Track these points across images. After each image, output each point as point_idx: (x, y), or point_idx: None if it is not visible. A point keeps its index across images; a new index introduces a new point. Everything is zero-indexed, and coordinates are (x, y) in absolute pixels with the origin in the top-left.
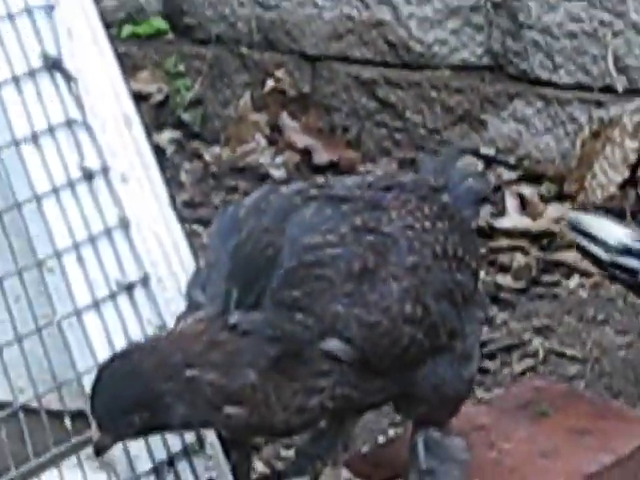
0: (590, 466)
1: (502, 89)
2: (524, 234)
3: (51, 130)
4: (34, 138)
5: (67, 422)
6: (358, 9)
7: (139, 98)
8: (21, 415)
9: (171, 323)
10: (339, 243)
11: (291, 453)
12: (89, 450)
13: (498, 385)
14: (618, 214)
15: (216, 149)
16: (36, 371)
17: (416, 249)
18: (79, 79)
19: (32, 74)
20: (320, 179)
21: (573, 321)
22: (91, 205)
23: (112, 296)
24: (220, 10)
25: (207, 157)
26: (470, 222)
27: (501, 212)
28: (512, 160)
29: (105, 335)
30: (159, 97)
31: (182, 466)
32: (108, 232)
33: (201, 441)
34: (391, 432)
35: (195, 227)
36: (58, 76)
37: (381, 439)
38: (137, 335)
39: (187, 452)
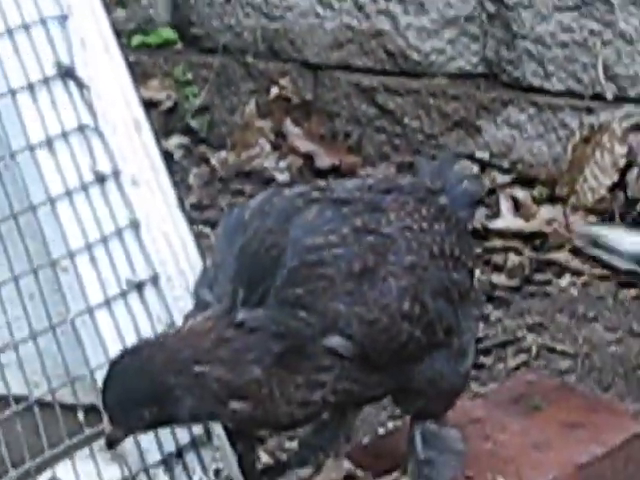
0: (581, 457)
1: (496, 96)
2: (517, 235)
3: (64, 135)
4: (48, 143)
5: (80, 415)
6: (358, 19)
7: (149, 105)
8: (36, 409)
9: (180, 320)
10: (340, 244)
11: (295, 444)
12: (101, 442)
13: (493, 380)
14: (608, 216)
15: (222, 154)
16: (50, 366)
17: (414, 249)
18: (91, 86)
19: (46, 82)
20: (322, 182)
21: (564, 318)
22: (103, 207)
23: (123, 294)
24: (226, 21)
25: (214, 161)
26: (466, 223)
27: (495, 214)
28: (506, 164)
29: (116, 332)
30: (168, 104)
31: (190, 457)
32: (119, 233)
33: (208, 433)
34: (390, 425)
35: (202, 228)
36: (71, 84)
37: (381, 431)
38: (147, 332)
39: (195, 444)
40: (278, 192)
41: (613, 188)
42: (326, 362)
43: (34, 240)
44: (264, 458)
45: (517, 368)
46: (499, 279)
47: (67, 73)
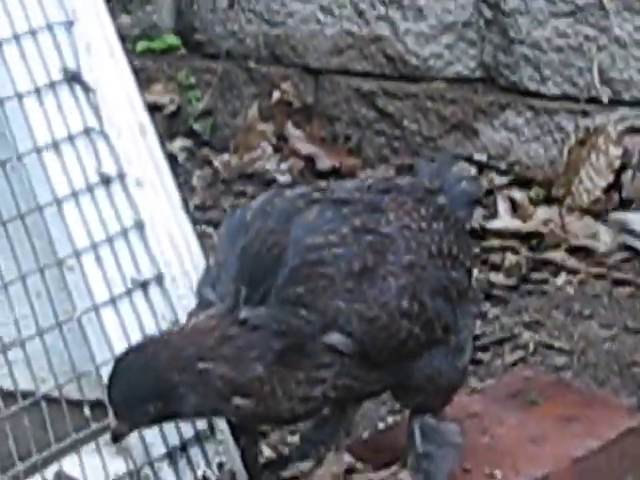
0: (577, 451)
1: (494, 100)
2: (514, 235)
3: (71, 138)
4: (55, 145)
5: (86, 410)
6: (358, 25)
7: (153, 109)
8: (43, 404)
9: (183, 318)
10: (340, 243)
11: (296, 439)
12: (107, 436)
13: (491, 375)
14: (603, 217)
15: (225, 156)
16: (57, 363)
17: (413, 248)
18: (97, 91)
19: (53, 86)
20: (322, 184)
21: (561, 316)
22: (108, 208)
23: (128, 293)
24: (229, 27)
25: (217, 164)
26: (464, 223)
27: (493, 214)
28: (503, 166)
29: (122, 329)
30: (172, 108)
31: (194, 451)
32: (124, 233)
33: (212, 428)
34: (390, 419)
35: (206, 228)
36: (77, 88)
37: (381, 426)
38: (152, 330)
39: (199, 438)
40: (279, 193)
41: (608, 189)
42: (326, 359)
43: (41, 240)
44: (266, 452)
45: (514, 364)
46: (497, 278)
47: (73, 77)
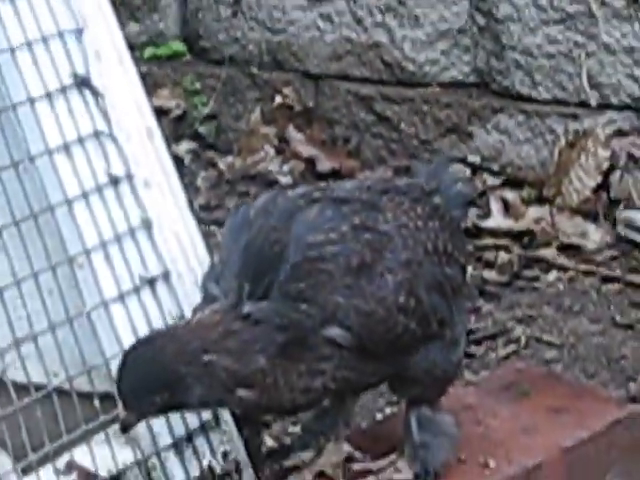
0: (567, 441)
1: (487, 104)
2: (507, 233)
3: (81, 141)
4: (65, 148)
5: (96, 402)
6: (357, 32)
7: (160, 113)
8: (54, 396)
9: (189, 314)
10: (340, 240)
11: (298, 429)
12: (116, 427)
13: (484, 368)
14: (592, 216)
15: (229, 158)
16: (68, 357)
17: (410, 246)
18: (106, 95)
19: (63, 91)
20: (322, 184)
21: (551, 311)
22: (117, 208)
23: (136, 290)
24: (232, 34)
25: (221, 165)
26: (459, 222)
27: (486, 214)
28: (496, 167)
29: (130, 325)
30: (178, 112)
31: (200, 441)
32: (132, 232)
33: (217, 418)
34: (387, 410)
35: (211, 228)
36: (87, 93)
37: (379, 416)
38: (159, 325)
39: (204, 428)
40: (281, 193)
41: (597, 189)
42: (326, 352)
43: (52, 238)
44: (269, 442)
45: (507, 357)
46: (490, 275)
47: (83, 83)
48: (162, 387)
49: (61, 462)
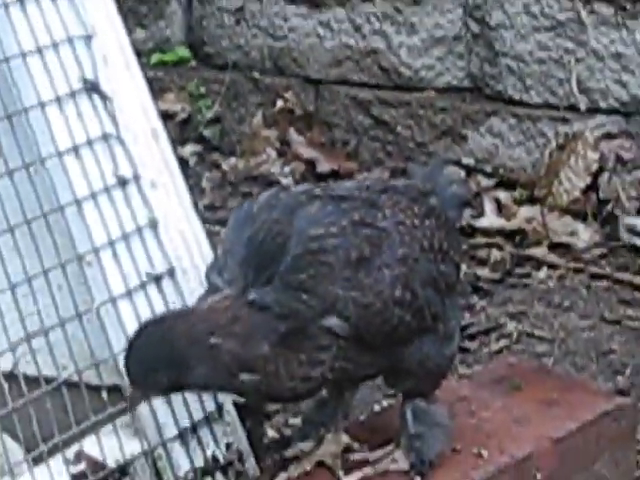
0: (557, 432)
1: (480, 108)
2: (500, 232)
3: (90, 143)
4: (75, 150)
5: (104, 395)
6: (355, 39)
7: (165, 116)
8: (64, 389)
9: None
10: (340, 234)
11: (298, 421)
12: (123, 419)
13: (477, 362)
14: (582, 215)
15: (233, 160)
16: (77, 351)
17: (406, 242)
18: (114, 100)
19: (73, 95)
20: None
21: (542, 307)
22: (124, 208)
23: (143, 286)
24: (236, 40)
25: (225, 167)
26: (454, 222)
27: (480, 214)
28: (489, 169)
29: (137, 320)
30: (183, 115)
31: (204, 432)
32: (139, 231)
33: (220, 410)
34: (384, 403)
35: (214, 227)
36: (95, 97)
37: (376, 408)
38: None
39: (208, 420)
40: (284, 190)
41: (586, 190)
42: (325, 342)
43: (62, 237)
44: (270, 433)
45: (499, 352)
46: (483, 272)
47: (92, 87)
48: (168, 366)
49: (70, 452)
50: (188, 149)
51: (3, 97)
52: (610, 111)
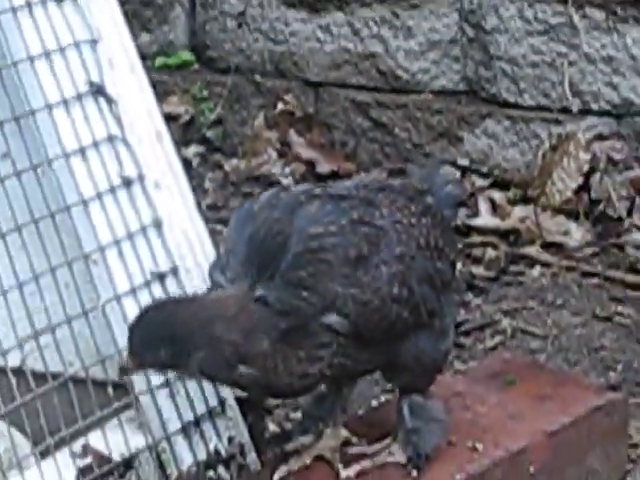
0: (551, 426)
1: (475, 110)
2: (494, 231)
3: (95, 145)
4: (81, 151)
5: (109, 390)
6: (354, 43)
7: (169, 118)
8: (70, 384)
9: None
10: (339, 233)
11: (298, 415)
12: (128, 413)
13: (473, 358)
14: (574, 215)
15: (235, 161)
16: (83, 347)
17: (403, 240)
18: (119, 102)
19: (79, 98)
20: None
21: (536, 304)
22: (129, 208)
23: (147, 284)
24: (238, 44)
25: (227, 168)
26: (450, 221)
27: (475, 213)
28: (484, 169)
29: None
30: (186, 117)
31: (206, 426)
32: (144, 230)
33: (223, 405)
34: (382, 398)
35: (217, 226)
36: (101, 100)
37: (374, 403)
38: None
39: (211, 415)
40: (285, 189)
41: (578, 190)
42: (325, 339)
43: (69, 236)
44: (271, 427)
45: (494, 348)
46: (478, 270)
47: (98, 90)
48: (170, 341)
49: (77, 446)
50: (191, 150)
51: (11, 100)
52: (602, 113)
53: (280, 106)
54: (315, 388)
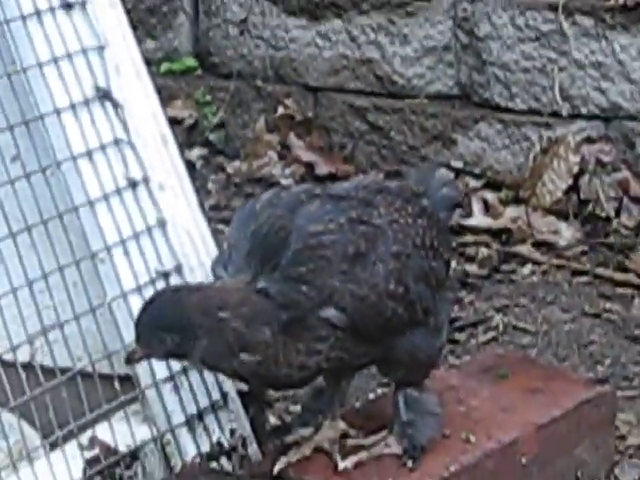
0: (541, 419)
1: (469, 114)
2: (487, 231)
3: (102, 148)
4: (88, 154)
5: (116, 384)
6: (351, 49)
7: (173, 122)
8: (78, 378)
9: None
10: (338, 230)
11: (298, 408)
12: (134, 406)
13: (466, 353)
14: (564, 215)
15: (236, 163)
16: (91, 343)
17: (400, 239)
18: (125, 107)
19: (87, 103)
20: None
21: (527, 301)
22: (135, 208)
23: (152, 282)
24: (240, 51)
25: (229, 169)
26: (445, 221)
27: (468, 213)
28: (477, 171)
29: None
30: (190, 121)
31: (209, 419)
32: (149, 230)
33: (225, 398)
34: (379, 391)
35: (220, 226)
36: (108, 104)
37: (371, 397)
38: None
39: (214, 408)
40: (286, 189)
41: (568, 191)
42: (323, 332)
43: (76, 236)
44: (272, 420)
45: (487, 343)
46: (471, 268)
47: (104, 95)
48: (175, 329)
49: (84, 438)
50: (195, 153)
51: (21, 104)
52: (590, 117)
53: (280, 110)
54: (313, 380)
